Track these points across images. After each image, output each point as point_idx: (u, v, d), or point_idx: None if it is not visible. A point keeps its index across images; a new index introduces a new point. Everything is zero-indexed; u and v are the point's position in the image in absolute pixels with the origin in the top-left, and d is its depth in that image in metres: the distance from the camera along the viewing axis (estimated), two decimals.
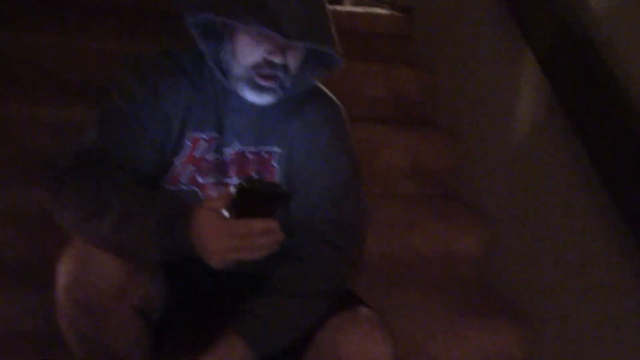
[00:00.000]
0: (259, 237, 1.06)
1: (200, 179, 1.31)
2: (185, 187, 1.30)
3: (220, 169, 1.31)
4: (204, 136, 1.30)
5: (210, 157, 1.31)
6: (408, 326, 1.70)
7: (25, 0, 2.24)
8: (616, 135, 1.45)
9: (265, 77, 1.24)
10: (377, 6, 2.81)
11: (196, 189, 1.31)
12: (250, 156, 1.32)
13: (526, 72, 1.87)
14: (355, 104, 2.30)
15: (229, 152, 1.31)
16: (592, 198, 1.59)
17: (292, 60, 1.25)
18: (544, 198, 1.77)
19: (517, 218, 1.89)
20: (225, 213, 1.07)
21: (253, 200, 1.05)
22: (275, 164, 1.34)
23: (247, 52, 1.23)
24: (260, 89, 1.25)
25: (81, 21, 2.29)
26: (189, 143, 1.29)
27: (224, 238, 1.06)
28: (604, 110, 1.49)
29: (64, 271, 1.13)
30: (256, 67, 1.23)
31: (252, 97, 1.26)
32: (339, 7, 2.81)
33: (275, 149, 1.34)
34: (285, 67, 1.24)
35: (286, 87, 1.27)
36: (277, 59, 1.22)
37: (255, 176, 1.32)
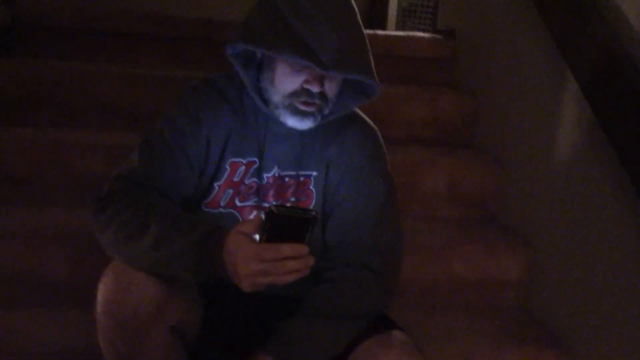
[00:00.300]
0: (288, 261, 1.07)
1: (238, 203, 1.33)
2: (224, 210, 1.33)
3: (258, 192, 1.33)
4: (243, 161, 1.33)
5: (248, 181, 1.33)
6: (446, 351, 1.69)
7: (75, 31, 2.32)
8: None
9: (304, 102, 1.26)
10: (419, 29, 2.81)
11: (235, 212, 1.33)
12: (289, 180, 1.34)
13: (568, 96, 1.85)
14: (395, 127, 2.33)
15: (268, 176, 1.33)
16: (635, 224, 1.56)
17: (330, 88, 1.28)
18: (585, 223, 1.74)
19: (558, 243, 1.86)
20: (257, 237, 1.09)
21: (282, 225, 1.06)
22: (312, 188, 1.35)
23: (286, 81, 1.26)
24: (301, 114, 1.27)
25: (129, 49, 2.37)
26: (228, 168, 1.32)
27: (254, 262, 1.07)
28: None
29: (103, 291, 1.16)
30: (295, 95, 1.26)
31: (293, 122, 1.28)
32: (380, 31, 2.82)
33: (313, 173, 1.35)
34: (323, 95, 1.27)
35: (325, 113, 1.30)
36: (315, 88, 1.25)
37: (292, 199, 1.34)
